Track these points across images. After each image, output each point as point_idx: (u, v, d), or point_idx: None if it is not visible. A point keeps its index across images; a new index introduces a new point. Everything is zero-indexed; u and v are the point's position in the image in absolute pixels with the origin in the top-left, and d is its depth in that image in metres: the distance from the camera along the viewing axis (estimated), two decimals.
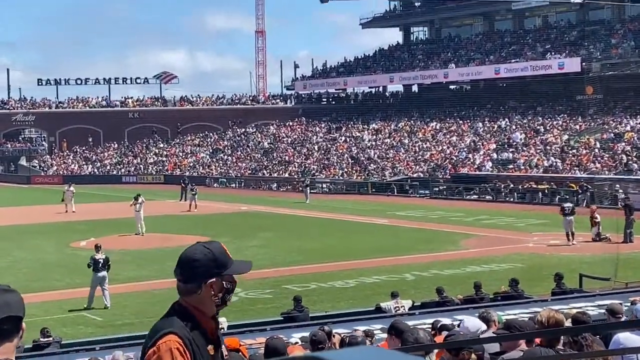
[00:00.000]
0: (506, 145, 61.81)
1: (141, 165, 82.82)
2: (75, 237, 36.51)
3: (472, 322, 8.94)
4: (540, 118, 66.00)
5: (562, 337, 6.92)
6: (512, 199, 50.74)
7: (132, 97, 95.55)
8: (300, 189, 58.32)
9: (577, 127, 61.65)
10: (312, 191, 56.58)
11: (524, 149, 59.95)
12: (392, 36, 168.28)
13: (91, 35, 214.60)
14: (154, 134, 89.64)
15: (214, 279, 3.89)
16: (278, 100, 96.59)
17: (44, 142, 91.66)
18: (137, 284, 25.13)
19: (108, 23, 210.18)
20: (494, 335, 7.99)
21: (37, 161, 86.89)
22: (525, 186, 51.60)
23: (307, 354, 0.88)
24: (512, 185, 52.07)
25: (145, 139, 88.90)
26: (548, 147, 58.45)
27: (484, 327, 8.82)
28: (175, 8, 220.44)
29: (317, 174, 68.18)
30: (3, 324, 2.80)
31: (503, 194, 51.74)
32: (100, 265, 22.18)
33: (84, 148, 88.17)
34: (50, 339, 15.77)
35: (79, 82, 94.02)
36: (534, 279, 23.35)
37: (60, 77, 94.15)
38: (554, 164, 54.61)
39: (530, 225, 38.01)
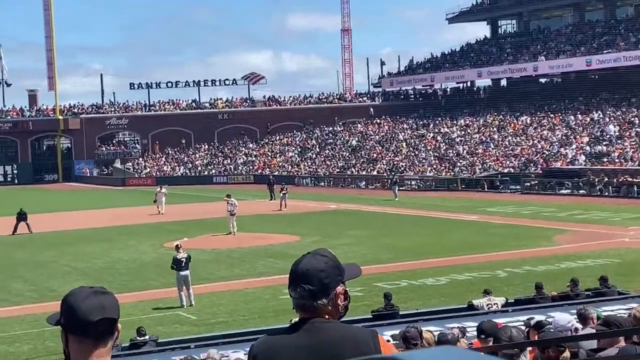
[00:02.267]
0: (600, 139, 60.39)
1: (231, 166, 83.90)
2: (169, 237, 37.16)
3: (563, 318, 8.78)
4: (634, 109, 64.24)
5: None
6: (606, 193, 49.54)
7: (221, 99, 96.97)
8: (388, 186, 58.21)
9: None
10: (400, 188, 56.36)
11: (618, 141, 58.47)
12: (480, 30, 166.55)
13: (177, 40, 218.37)
14: (243, 135, 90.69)
15: (340, 287, 3.67)
16: (365, 98, 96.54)
17: (137, 145, 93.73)
18: (230, 283, 25.46)
19: (192, 28, 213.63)
20: (586, 333, 7.84)
21: (130, 163, 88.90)
22: (620, 180, 50.30)
23: (388, 355, 0.87)
24: (606, 179, 50.80)
25: (234, 140, 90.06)
26: None
27: (575, 322, 8.65)
28: (256, 11, 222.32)
29: (405, 170, 67.90)
30: (97, 325, 2.84)
31: (597, 188, 50.54)
32: (183, 264, 22.54)
33: (175, 150, 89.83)
34: (147, 337, 16.09)
35: (169, 85, 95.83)
36: (632, 274, 22.78)
37: (151, 81, 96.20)
38: None
39: (627, 220, 37.06)
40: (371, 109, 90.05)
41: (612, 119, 63.92)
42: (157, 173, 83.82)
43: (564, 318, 8.69)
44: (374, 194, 59.18)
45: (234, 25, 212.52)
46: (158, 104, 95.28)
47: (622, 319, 7.87)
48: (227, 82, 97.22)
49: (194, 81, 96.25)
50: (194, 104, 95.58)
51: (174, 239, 36.09)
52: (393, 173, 63.95)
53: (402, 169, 68.44)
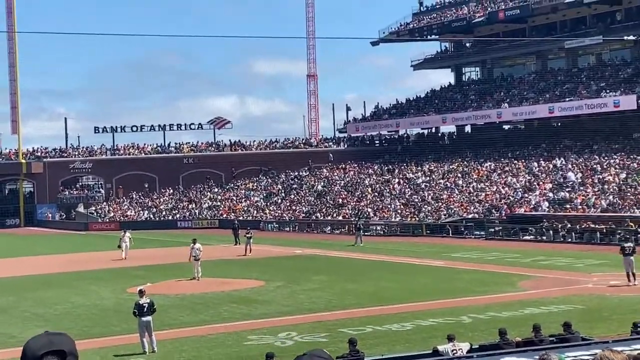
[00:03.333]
0: (562, 185, 61.05)
1: (196, 210, 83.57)
2: (132, 282, 36.73)
3: None
4: (596, 157, 65.15)
5: None
6: (569, 239, 49.96)
7: (187, 143, 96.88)
8: (352, 231, 58.30)
9: (635, 165, 60.70)
10: (365, 234, 56.44)
11: (581, 188, 59.15)
12: (444, 77, 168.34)
13: (142, 85, 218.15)
14: (209, 180, 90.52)
15: None
16: (331, 143, 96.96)
17: (101, 189, 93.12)
18: (194, 329, 25.16)
19: (158, 73, 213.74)
20: None
21: (94, 208, 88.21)
22: (583, 226, 50.79)
23: None
24: (569, 225, 51.28)
25: (199, 184, 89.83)
26: (605, 186, 57.61)
27: None
28: (222, 56, 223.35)
29: (372, 216, 68.06)
30: (44, 358, 3.03)
31: (560, 234, 50.97)
32: (145, 310, 22.24)
33: (140, 194, 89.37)
34: None
35: (134, 129, 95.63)
36: (595, 320, 22.89)
37: (116, 125, 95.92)
38: (612, 203, 53.76)
39: (590, 266, 37.33)
40: (330, 155, 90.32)
41: (574, 165, 64.72)
42: (121, 217, 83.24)
43: None
44: (339, 239, 59.19)
45: (200, 70, 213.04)
46: (123, 148, 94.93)
47: None
48: (192, 127, 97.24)
49: (159, 125, 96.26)
50: (159, 148, 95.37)
51: (137, 284, 35.67)
52: (357, 218, 64.01)
53: (367, 214, 68.59)
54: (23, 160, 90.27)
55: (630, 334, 18.19)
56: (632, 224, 47.31)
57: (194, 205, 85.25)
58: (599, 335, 19.30)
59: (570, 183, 60.80)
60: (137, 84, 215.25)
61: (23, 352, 3.10)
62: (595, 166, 62.82)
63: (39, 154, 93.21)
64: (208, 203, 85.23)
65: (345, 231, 64.14)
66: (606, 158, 64.00)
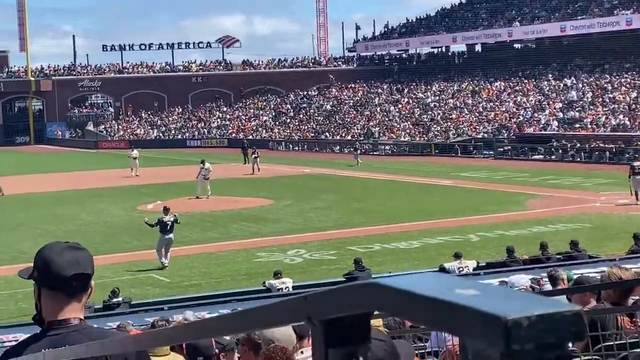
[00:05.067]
0: (573, 104, 60.69)
1: (205, 130, 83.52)
2: (142, 200, 37.06)
3: (518, 280, 8.89)
4: (607, 76, 64.55)
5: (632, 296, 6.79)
6: (578, 159, 49.88)
7: (194, 62, 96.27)
8: (349, 151, 58.41)
9: None
10: (374, 153, 56.39)
11: (591, 107, 58.80)
12: None
13: (147, 3, 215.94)
14: (218, 99, 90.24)
15: None
16: (340, 63, 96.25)
17: (110, 108, 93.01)
18: (203, 246, 25.43)
19: None
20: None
21: (103, 126, 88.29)
22: (592, 145, 50.65)
23: (370, 280, 0.87)
24: (578, 145, 51.14)
25: (208, 103, 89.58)
26: (615, 106, 57.24)
27: (529, 283, 8.76)
28: None
29: (381, 135, 68.00)
30: (71, 280, 2.81)
31: (569, 153, 50.88)
32: (169, 227, 22.47)
33: (149, 113, 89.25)
34: (120, 299, 16.09)
35: (142, 47, 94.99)
36: (602, 239, 23.04)
37: (124, 43, 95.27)
38: (622, 122, 53.50)
39: (598, 185, 37.38)
40: (331, 76, 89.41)
41: (585, 85, 64.21)
42: (130, 136, 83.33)
43: (520, 280, 8.79)
44: (348, 158, 59.17)
45: None
46: (131, 67, 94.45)
47: (594, 280, 7.94)
48: (200, 45, 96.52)
49: (167, 44, 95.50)
50: (167, 66, 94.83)
51: (147, 202, 36.04)
52: (355, 140, 63.61)
53: (373, 134, 68.50)
54: (32, 78, 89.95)
55: (633, 245, 18.34)
56: None
57: (202, 125, 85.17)
58: (606, 253, 19.46)
59: (581, 103, 60.40)
60: (144, 2, 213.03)
61: (44, 263, 2.82)
62: (606, 85, 62.31)
63: (47, 72, 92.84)
64: (217, 122, 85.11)
65: (354, 150, 64.08)
66: (617, 77, 63.42)
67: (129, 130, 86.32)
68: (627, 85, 61.08)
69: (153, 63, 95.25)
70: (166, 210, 23.27)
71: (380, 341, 3.42)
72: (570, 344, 0.86)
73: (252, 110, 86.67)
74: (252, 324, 1.26)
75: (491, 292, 0.91)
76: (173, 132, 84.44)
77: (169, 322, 11.41)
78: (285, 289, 16.70)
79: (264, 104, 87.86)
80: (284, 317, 1.15)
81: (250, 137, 73.18)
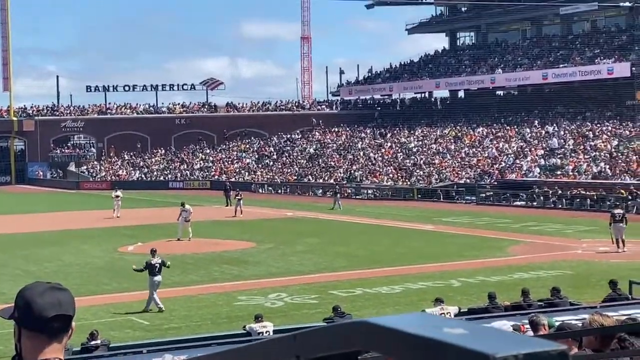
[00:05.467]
0: (554, 152, 61.12)
1: (187, 171, 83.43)
2: (123, 241, 36.87)
3: (499, 326, 8.87)
4: (589, 123, 65.17)
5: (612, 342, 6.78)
6: (560, 206, 50.13)
7: (178, 104, 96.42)
8: (330, 195, 58.26)
9: (627, 132, 60.80)
10: (357, 197, 56.32)
11: (572, 155, 59.24)
12: (438, 42, 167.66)
13: (132, 45, 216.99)
14: (201, 141, 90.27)
15: None
16: (324, 106, 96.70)
17: (92, 148, 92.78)
18: (184, 289, 25.27)
19: (150, 33, 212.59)
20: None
21: (85, 167, 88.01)
22: (573, 192, 50.95)
23: (360, 319, 0.87)
24: (560, 192, 51.43)
25: (191, 145, 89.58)
26: (597, 153, 57.72)
27: (510, 329, 8.73)
28: (213, 17, 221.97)
29: (363, 179, 68.16)
30: (53, 322, 2.78)
31: (551, 200, 51.13)
32: (157, 269, 22.36)
33: (131, 154, 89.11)
34: (99, 341, 15.90)
35: (126, 88, 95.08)
36: (583, 286, 23.07)
37: (107, 84, 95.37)
38: (603, 170, 53.90)
39: (579, 232, 37.53)
40: (313, 119, 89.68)
41: (566, 132, 64.76)
42: (113, 177, 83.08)
43: (502, 327, 8.78)
44: (330, 201, 59.18)
45: (190, 31, 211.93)
46: (115, 108, 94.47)
47: (576, 327, 7.92)
48: (185, 87, 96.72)
49: (151, 85, 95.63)
50: (151, 108, 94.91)
51: (128, 244, 35.85)
52: (336, 183, 63.43)
53: (358, 177, 68.66)
54: (14, 118, 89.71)
55: (610, 289, 18.39)
56: (622, 191, 47.50)
57: (185, 166, 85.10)
58: (587, 300, 19.45)
59: (562, 150, 60.85)
60: (128, 44, 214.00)
61: (26, 304, 2.77)
62: (587, 133, 62.86)
63: (30, 112, 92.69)
64: (200, 164, 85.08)
65: (332, 195, 64.05)
66: (598, 125, 64.03)
67: (111, 171, 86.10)
68: (608, 133, 61.66)
69: (137, 104, 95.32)
70: (153, 252, 23.20)
71: None
72: None
73: (235, 153, 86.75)
74: None
75: (478, 331, 0.90)
76: (155, 173, 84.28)
77: None
78: (265, 333, 16.56)
79: (247, 146, 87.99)
80: (273, 355, 1.14)
81: (233, 179, 73.18)
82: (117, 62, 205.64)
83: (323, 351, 1.02)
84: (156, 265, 22.46)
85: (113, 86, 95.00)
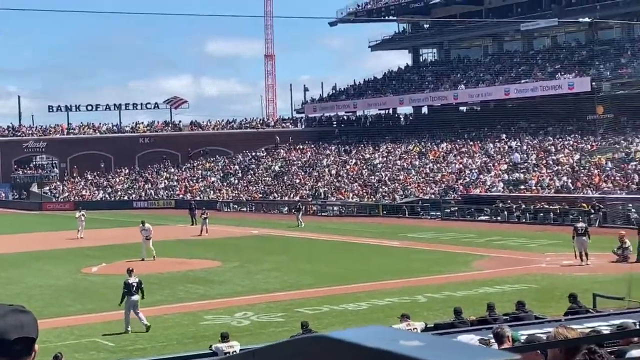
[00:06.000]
0: (517, 166, 61.64)
1: (152, 190, 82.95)
2: (86, 262, 36.54)
3: (467, 339, 8.89)
4: (551, 138, 65.87)
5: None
6: (524, 220, 50.51)
7: (142, 122, 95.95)
8: (293, 212, 58.22)
9: (589, 146, 61.52)
10: (322, 214, 56.34)
11: (535, 169, 59.78)
12: (401, 58, 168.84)
13: (96, 64, 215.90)
14: (165, 160, 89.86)
15: None
16: (288, 124, 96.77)
17: (55, 169, 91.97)
18: (149, 309, 24.93)
19: (112, 52, 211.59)
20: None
21: (48, 187, 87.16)
22: (537, 207, 51.39)
23: (317, 333, 0.87)
24: (523, 206, 51.83)
25: (156, 164, 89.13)
26: (559, 167, 58.30)
27: (477, 344, 8.75)
28: (177, 37, 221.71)
29: (329, 196, 68.23)
30: (15, 345, 2.73)
31: (515, 214, 51.51)
32: (134, 288, 22.18)
33: (95, 174, 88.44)
34: None
35: (89, 108, 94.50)
36: (548, 299, 23.21)
37: (70, 104, 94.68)
38: (566, 184, 54.44)
39: (543, 246, 37.82)
40: (277, 137, 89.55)
41: (529, 147, 65.38)
42: (76, 197, 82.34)
43: (469, 341, 8.79)
44: (294, 219, 59.14)
45: (153, 50, 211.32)
46: (77, 128, 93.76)
47: (542, 340, 7.96)
48: (148, 106, 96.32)
49: (114, 104, 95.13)
50: (115, 127, 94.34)
51: (92, 264, 35.53)
52: (297, 201, 63.41)
53: (323, 194, 68.72)
54: None
55: (570, 303, 18.57)
56: (584, 204, 47.98)
57: (150, 185, 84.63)
58: (552, 314, 19.57)
59: (525, 164, 61.40)
60: (90, 64, 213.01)
61: None
62: (549, 147, 63.51)
63: None
64: (164, 183, 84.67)
65: (295, 211, 64.14)
66: (560, 140, 64.74)
67: (74, 192, 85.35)
68: (570, 147, 62.34)
69: (100, 124, 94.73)
70: (130, 271, 23.03)
71: None
72: None
73: (200, 171, 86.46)
74: None
75: (434, 343, 0.92)
76: (119, 193, 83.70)
77: None
78: (232, 352, 16.46)
79: (212, 164, 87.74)
80: None
81: (198, 197, 72.89)
82: (79, 81, 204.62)
83: None
84: (133, 284, 22.30)
85: (75, 106, 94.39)
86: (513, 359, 0.87)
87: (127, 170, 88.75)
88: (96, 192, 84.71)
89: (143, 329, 21.85)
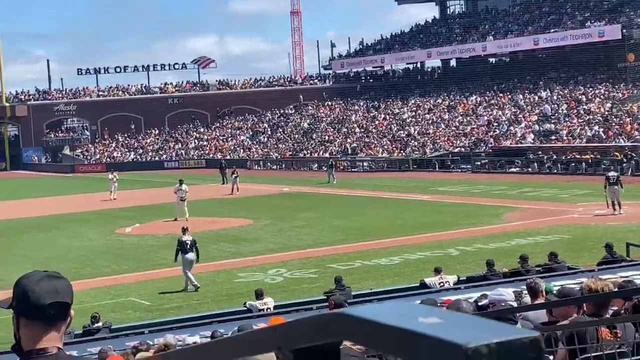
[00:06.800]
0: (548, 117, 61.12)
1: (182, 151, 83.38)
2: (120, 223, 36.91)
3: (506, 292, 8.93)
4: (581, 87, 65.10)
5: (610, 306, 6.85)
6: (555, 171, 50.20)
7: (171, 83, 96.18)
8: (325, 168, 58.12)
9: (620, 95, 60.73)
10: (353, 169, 56.36)
11: (566, 119, 59.25)
12: (428, 11, 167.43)
13: (121, 27, 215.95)
14: (195, 119, 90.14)
15: None
16: (316, 81, 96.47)
17: (86, 131, 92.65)
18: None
19: (137, 14, 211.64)
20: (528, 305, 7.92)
21: (80, 150, 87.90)
22: (568, 157, 51.02)
23: (338, 310, 0.90)
24: (555, 157, 51.49)
25: (185, 124, 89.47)
26: (591, 117, 57.72)
27: (512, 296, 8.80)
28: None
29: (359, 152, 68.20)
30: (50, 309, 2.79)
31: (546, 165, 51.20)
32: (188, 247, 22.36)
33: (125, 135, 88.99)
34: (100, 324, 15.97)
35: (117, 70, 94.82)
36: (581, 250, 23.16)
37: (99, 66, 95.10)
38: (598, 133, 53.93)
39: (575, 196, 37.60)
40: (300, 96, 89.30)
41: (559, 97, 64.72)
42: (107, 159, 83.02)
43: (507, 292, 8.83)
44: (325, 176, 59.22)
45: (177, 11, 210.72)
46: (107, 90, 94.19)
47: (575, 291, 7.98)
48: (176, 67, 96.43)
49: (142, 66, 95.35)
50: (143, 88, 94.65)
51: (126, 225, 35.90)
52: (330, 157, 63.33)
53: (353, 150, 68.69)
54: (7, 104, 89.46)
55: (606, 252, 18.52)
56: (617, 153, 47.56)
57: (180, 146, 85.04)
58: (585, 264, 19.55)
59: (556, 115, 60.85)
60: (116, 26, 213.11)
61: (22, 293, 2.79)
62: (580, 97, 62.82)
63: (22, 97, 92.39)
64: (194, 143, 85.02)
65: (328, 168, 64.11)
66: (591, 89, 63.98)
67: (105, 154, 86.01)
68: (601, 96, 61.61)
69: (129, 85, 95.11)
70: (184, 230, 23.22)
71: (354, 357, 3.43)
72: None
73: (229, 130, 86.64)
74: (223, 356, 1.27)
75: (454, 320, 0.92)
76: (150, 154, 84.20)
77: (150, 345, 11.37)
78: (266, 309, 16.63)
79: (241, 123, 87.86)
80: (254, 347, 1.16)
81: (228, 157, 73.14)
82: (106, 43, 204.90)
83: (304, 342, 1.05)
84: (187, 242, 22.47)
85: (104, 68, 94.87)
86: (532, 337, 0.89)
87: (157, 131, 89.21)
88: (127, 153, 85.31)
89: (198, 285, 22.04)
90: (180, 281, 22.72)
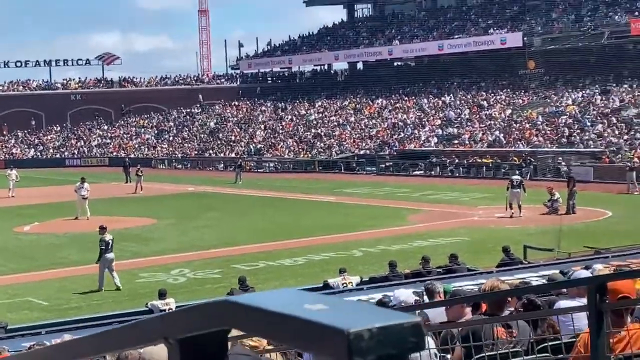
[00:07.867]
0: (451, 121, 62.25)
1: (85, 148, 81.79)
2: (18, 221, 35.96)
3: (403, 293, 9.07)
4: (483, 93, 66.55)
5: (506, 306, 7.01)
6: (457, 174, 51.22)
7: (73, 79, 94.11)
8: (232, 169, 57.94)
9: (520, 101, 62.34)
10: (259, 170, 56.30)
11: (468, 124, 60.47)
12: (337, 14, 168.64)
13: (23, 20, 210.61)
14: (97, 117, 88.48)
15: None
16: (223, 80, 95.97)
17: None
18: (84, 267, 24.78)
19: (37, 6, 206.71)
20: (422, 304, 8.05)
21: None
22: (470, 161, 52.12)
23: (222, 298, 0.89)
24: (457, 161, 52.53)
25: (88, 122, 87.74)
26: (492, 122, 59.05)
27: (413, 298, 8.94)
28: None
29: (265, 153, 68.15)
30: None
31: (448, 169, 52.19)
32: (111, 246, 21.90)
33: (25, 131, 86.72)
34: None
35: (18, 64, 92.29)
36: (480, 252, 23.64)
37: None
38: (498, 138, 55.21)
39: (476, 199, 38.41)
40: (200, 96, 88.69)
41: (462, 102, 66.02)
42: (7, 156, 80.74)
43: (405, 293, 8.96)
44: (231, 176, 58.96)
45: (79, 4, 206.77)
46: (6, 84, 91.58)
47: (470, 292, 8.14)
48: (80, 62, 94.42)
49: (44, 60, 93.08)
50: (45, 84, 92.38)
51: (24, 224, 34.99)
52: (239, 157, 63.20)
53: (259, 151, 68.61)
54: None
55: (502, 258, 18.99)
56: (515, 158, 48.81)
57: (82, 143, 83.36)
58: (484, 265, 19.97)
59: (458, 119, 62.04)
60: (16, 18, 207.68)
61: None
62: (482, 102, 64.21)
63: None
64: (98, 141, 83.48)
65: (236, 168, 63.91)
66: (493, 94, 65.46)
67: (4, 150, 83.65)
68: (502, 102, 63.10)
69: (29, 80, 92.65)
70: (103, 229, 22.53)
71: (245, 356, 3.44)
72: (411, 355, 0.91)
73: (133, 129, 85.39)
74: (111, 345, 1.24)
75: (339, 306, 0.93)
76: (51, 151, 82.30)
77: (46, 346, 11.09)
78: (168, 309, 16.45)
79: (146, 121, 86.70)
80: (141, 337, 1.14)
81: (132, 155, 72.09)
82: (6, 37, 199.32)
83: (190, 331, 1.04)
84: (109, 241, 21.98)
85: (4, 62, 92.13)
86: (413, 322, 0.90)
87: (58, 128, 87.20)
88: (27, 150, 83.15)
89: (113, 287, 21.63)
90: (83, 281, 22.27)
